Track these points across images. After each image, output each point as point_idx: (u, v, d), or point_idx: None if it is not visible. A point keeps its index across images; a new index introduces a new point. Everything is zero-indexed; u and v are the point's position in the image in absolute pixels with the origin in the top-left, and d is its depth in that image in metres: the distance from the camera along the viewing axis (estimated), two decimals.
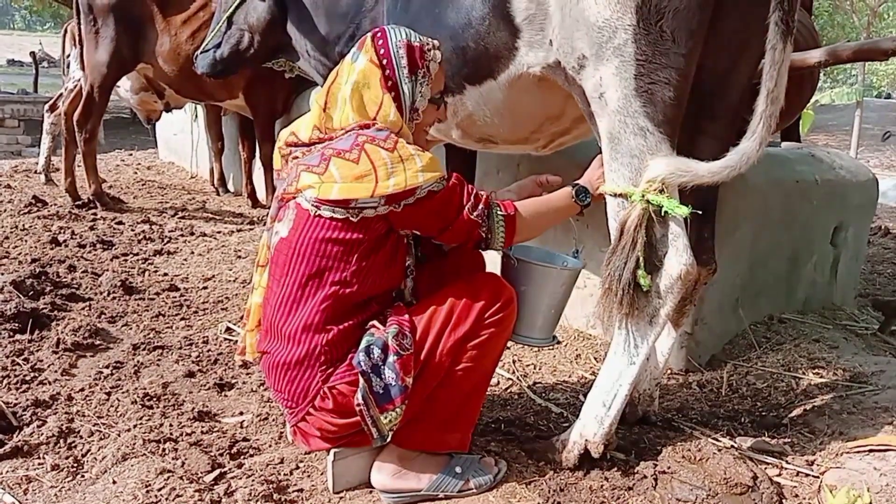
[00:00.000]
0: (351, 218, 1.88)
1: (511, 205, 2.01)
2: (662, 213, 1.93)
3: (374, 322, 1.94)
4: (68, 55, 6.44)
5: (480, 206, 1.95)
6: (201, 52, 3.50)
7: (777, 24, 1.76)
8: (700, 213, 2.00)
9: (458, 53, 2.34)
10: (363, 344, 1.88)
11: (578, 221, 2.29)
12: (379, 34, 2.02)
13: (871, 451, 2.15)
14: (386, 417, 1.86)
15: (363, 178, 1.85)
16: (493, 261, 2.28)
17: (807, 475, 2.14)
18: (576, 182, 2.14)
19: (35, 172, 6.89)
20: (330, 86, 2.03)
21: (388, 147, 1.87)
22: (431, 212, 1.91)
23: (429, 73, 2.02)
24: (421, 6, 2.44)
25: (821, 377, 2.81)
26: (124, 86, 5.94)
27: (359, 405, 1.84)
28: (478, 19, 2.23)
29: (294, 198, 1.96)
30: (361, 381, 1.84)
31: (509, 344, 2.20)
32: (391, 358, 1.85)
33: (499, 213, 1.98)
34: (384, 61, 1.98)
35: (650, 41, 1.84)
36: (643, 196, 1.91)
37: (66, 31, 6.40)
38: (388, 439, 1.90)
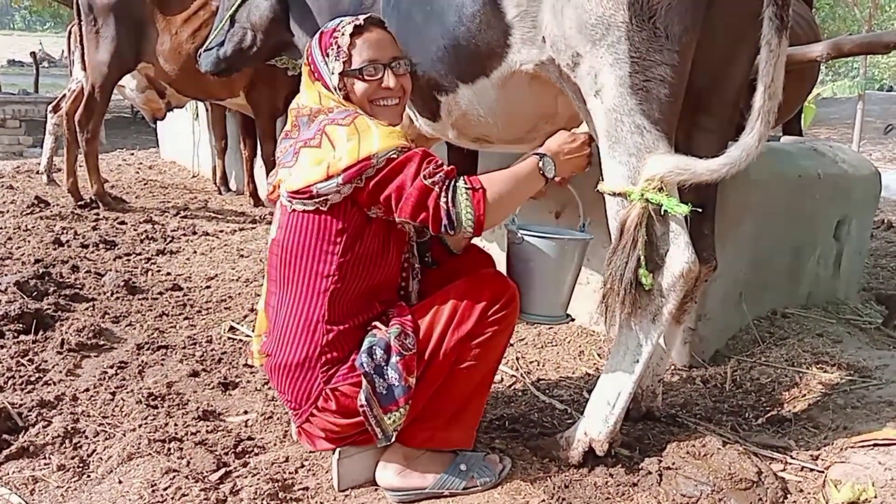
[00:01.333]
0: (321, 207, 1.87)
1: (475, 178, 1.88)
2: (662, 212, 1.92)
3: (377, 322, 1.94)
4: (74, 55, 6.44)
5: (440, 175, 1.82)
6: (205, 51, 3.51)
7: (771, 18, 1.75)
8: (700, 210, 1.99)
9: (449, 51, 2.33)
10: (365, 345, 1.88)
11: (581, 197, 2.26)
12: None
13: (875, 445, 2.15)
14: (390, 418, 1.86)
15: (322, 160, 1.84)
16: (500, 258, 2.28)
17: (811, 470, 2.14)
18: (539, 151, 2.03)
19: (37, 173, 6.90)
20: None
21: (346, 123, 1.86)
22: (388, 180, 1.83)
23: (338, 47, 1.97)
24: (412, 3, 2.43)
25: (825, 372, 2.80)
26: (129, 85, 5.94)
27: (362, 406, 1.84)
28: (469, 16, 2.22)
29: (278, 197, 1.99)
30: (364, 382, 1.84)
31: (513, 339, 2.20)
32: (394, 358, 1.85)
33: (463, 186, 1.83)
34: (308, 58, 2.04)
35: (644, 38, 1.83)
36: (642, 195, 1.90)
37: (70, 32, 6.40)
38: (393, 439, 1.90)
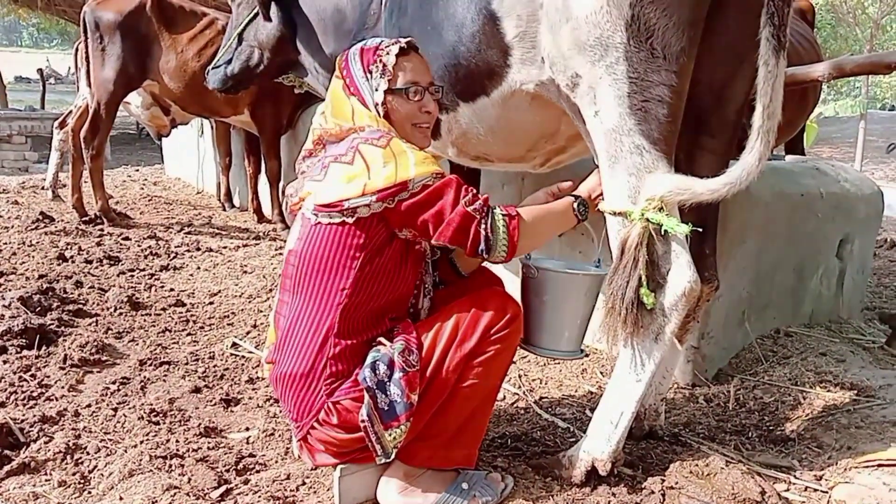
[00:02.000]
0: (347, 220, 1.89)
1: (512, 207, 1.98)
2: (663, 232, 1.92)
3: (381, 338, 1.94)
4: (81, 71, 6.48)
5: (478, 203, 1.90)
6: (212, 69, 3.55)
7: (768, 39, 1.77)
8: (700, 230, 1.99)
9: (450, 70, 2.35)
10: (369, 360, 1.89)
11: (598, 232, 2.26)
12: (345, 52, 2.11)
13: (879, 465, 2.14)
14: (390, 434, 1.85)
15: (355, 177, 1.87)
16: (511, 280, 2.27)
17: (815, 490, 2.12)
18: (575, 193, 2.12)
19: (42, 188, 6.93)
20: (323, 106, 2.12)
21: (381, 145, 1.90)
22: (425, 205, 1.88)
23: (383, 66, 2.01)
24: (413, 23, 2.46)
25: (828, 391, 2.79)
26: (135, 102, 5.99)
27: (363, 421, 1.84)
28: (468, 36, 2.25)
29: (300, 209, 2.01)
30: (366, 397, 1.84)
31: (516, 358, 2.19)
32: (397, 374, 1.85)
33: (500, 213, 1.93)
34: (344, 72, 2.07)
35: (642, 58, 1.85)
36: (642, 214, 1.90)
37: (77, 49, 6.45)
38: (392, 456, 1.89)
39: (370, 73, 2.02)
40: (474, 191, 1.94)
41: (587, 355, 2.27)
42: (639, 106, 1.87)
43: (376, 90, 2.01)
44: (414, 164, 1.88)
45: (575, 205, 2.08)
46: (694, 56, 1.88)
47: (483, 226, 1.89)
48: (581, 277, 2.16)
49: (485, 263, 2.22)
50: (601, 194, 2.09)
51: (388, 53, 2.02)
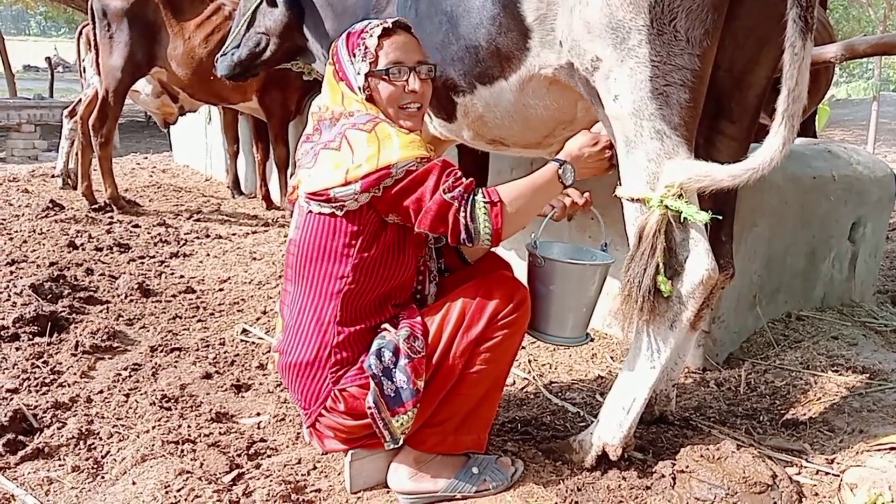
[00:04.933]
0: (336, 212, 1.87)
1: (494, 191, 1.89)
2: (682, 219, 1.89)
3: (386, 324, 1.94)
4: (84, 59, 6.48)
5: (458, 189, 1.84)
6: (221, 55, 3.54)
7: (795, 20, 1.72)
8: (720, 217, 1.96)
9: (469, 53, 2.32)
10: (374, 347, 1.89)
11: (604, 216, 2.25)
12: (337, 37, 2.08)
13: (892, 449, 2.12)
14: (398, 421, 1.86)
15: (340, 164, 1.84)
16: (518, 265, 2.27)
17: (827, 474, 2.12)
18: (559, 157, 2.02)
19: (52, 177, 6.95)
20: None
21: (367, 129, 1.87)
22: (407, 192, 1.84)
23: (365, 48, 1.97)
24: (430, 5, 2.43)
25: (840, 375, 2.78)
26: (144, 90, 5.98)
27: (370, 408, 1.84)
28: (488, 19, 2.22)
29: (297, 198, 2.01)
30: (372, 384, 1.84)
31: (525, 342, 2.18)
32: (402, 361, 1.85)
33: (481, 199, 1.84)
34: (334, 58, 2.04)
35: (664, 42, 1.81)
36: (661, 201, 1.87)
37: (80, 32, 6.43)
38: (401, 442, 1.90)
39: (354, 56, 1.99)
40: (457, 175, 1.88)
41: (592, 340, 2.26)
42: (660, 90, 1.84)
43: (358, 73, 1.98)
44: (398, 147, 1.84)
45: (560, 171, 1.98)
46: (717, 39, 1.85)
47: (462, 213, 1.83)
48: (588, 268, 2.13)
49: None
50: (590, 156, 2.03)
51: (370, 35, 1.98)
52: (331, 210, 1.88)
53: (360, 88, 1.98)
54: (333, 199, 1.85)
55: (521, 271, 2.21)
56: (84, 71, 6.48)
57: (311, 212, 1.92)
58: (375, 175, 1.82)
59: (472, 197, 1.85)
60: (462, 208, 1.83)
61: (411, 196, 1.84)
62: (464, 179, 1.88)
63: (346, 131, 1.88)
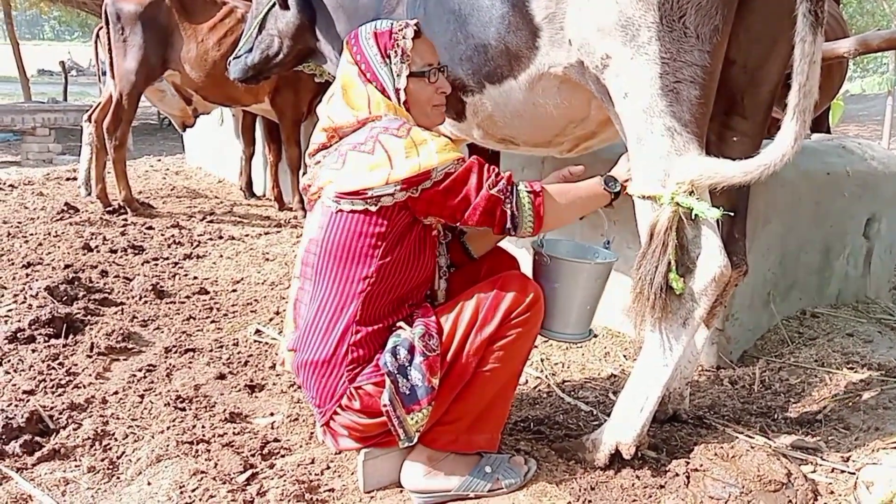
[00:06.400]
0: (370, 208, 1.88)
1: (537, 182, 1.98)
2: (693, 216, 1.88)
3: (401, 323, 1.95)
4: (103, 61, 6.49)
5: (502, 183, 1.91)
6: (234, 58, 3.55)
7: (805, 15, 1.71)
8: (732, 214, 1.95)
9: (478, 52, 2.32)
10: (389, 345, 1.89)
11: (609, 216, 2.25)
12: (352, 35, 2.08)
13: None
14: (412, 418, 1.86)
15: (377, 167, 1.86)
16: (525, 262, 2.27)
17: (842, 472, 2.10)
18: (607, 174, 2.10)
19: (66, 180, 7.00)
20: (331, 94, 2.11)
21: (401, 134, 1.89)
22: (451, 192, 1.89)
23: (401, 50, 2.00)
24: (439, 4, 2.43)
25: (855, 372, 2.76)
26: (169, 91, 5.99)
27: (385, 406, 1.85)
28: (498, 18, 2.22)
29: (319, 198, 2.01)
30: (388, 382, 1.85)
31: (538, 342, 2.18)
32: (417, 359, 1.86)
33: (524, 189, 1.93)
34: (357, 57, 2.04)
35: (674, 39, 1.81)
36: (672, 198, 1.87)
37: (97, 35, 6.45)
38: (415, 440, 1.91)
39: (388, 57, 2.00)
40: (497, 171, 1.93)
41: (596, 336, 2.26)
42: (670, 87, 1.84)
43: (398, 76, 2.00)
44: (436, 151, 1.88)
45: (604, 181, 2.06)
46: (727, 35, 1.84)
47: (508, 205, 1.91)
48: (593, 266, 2.15)
49: (501, 243, 2.22)
50: (628, 179, 2.06)
51: (404, 37, 2.01)
52: (364, 206, 1.89)
53: (396, 91, 2.01)
54: (371, 197, 1.87)
55: (525, 268, 2.22)
56: (104, 74, 6.48)
57: (340, 211, 1.92)
58: (416, 178, 1.86)
59: (514, 188, 1.92)
60: (508, 200, 1.91)
61: (456, 196, 1.90)
62: (503, 173, 1.94)
63: (378, 136, 1.90)
